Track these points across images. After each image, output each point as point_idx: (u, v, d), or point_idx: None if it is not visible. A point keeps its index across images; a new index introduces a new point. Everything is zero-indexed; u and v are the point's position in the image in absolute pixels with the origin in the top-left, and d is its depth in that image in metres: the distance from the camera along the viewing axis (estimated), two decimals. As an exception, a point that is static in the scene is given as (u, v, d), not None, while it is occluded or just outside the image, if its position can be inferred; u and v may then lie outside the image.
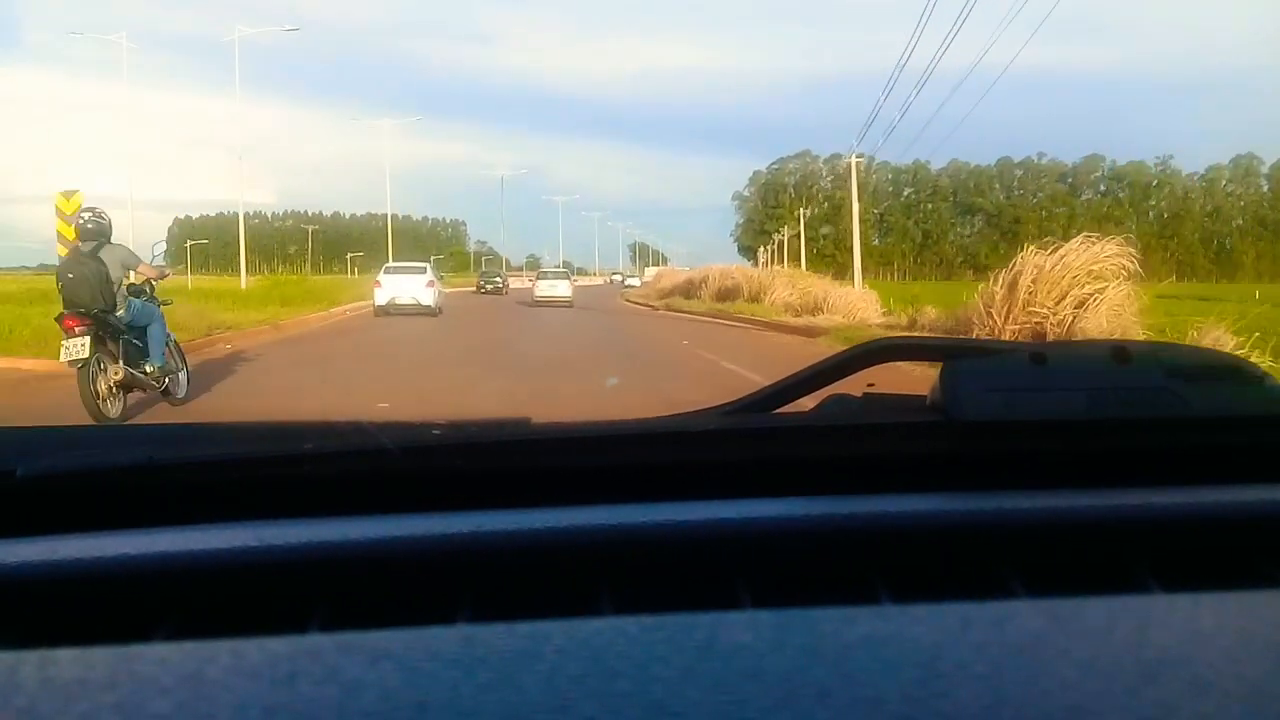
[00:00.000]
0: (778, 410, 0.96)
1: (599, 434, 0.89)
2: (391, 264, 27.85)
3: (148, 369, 6.84)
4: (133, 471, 0.82)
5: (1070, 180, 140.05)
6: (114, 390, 6.59)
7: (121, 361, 6.58)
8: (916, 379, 0.95)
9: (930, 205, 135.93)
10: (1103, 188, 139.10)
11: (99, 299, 6.46)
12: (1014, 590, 0.68)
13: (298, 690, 0.48)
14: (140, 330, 6.89)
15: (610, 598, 0.67)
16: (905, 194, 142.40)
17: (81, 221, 6.88)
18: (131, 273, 6.96)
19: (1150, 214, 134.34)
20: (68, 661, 0.52)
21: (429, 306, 23.83)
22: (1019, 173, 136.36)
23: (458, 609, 0.66)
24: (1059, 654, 0.52)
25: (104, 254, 6.69)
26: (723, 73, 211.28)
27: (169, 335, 7.27)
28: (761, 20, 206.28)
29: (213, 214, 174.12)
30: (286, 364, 11.81)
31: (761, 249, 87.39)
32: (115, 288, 6.62)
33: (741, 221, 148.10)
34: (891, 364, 1.00)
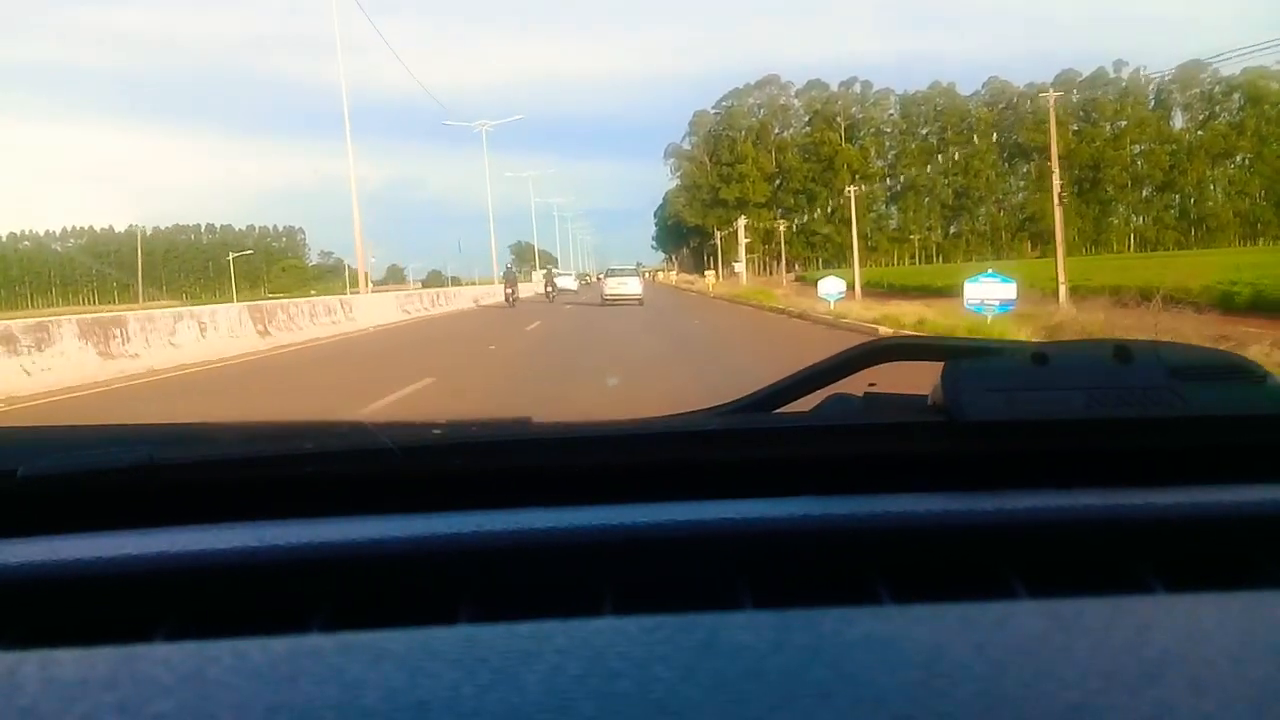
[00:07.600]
0: (778, 410, 0.96)
1: (599, 434, 0.90)
2: (554, 269, 52.12)
3: (515, 299, 34.17)
4: (133, 471, 0.82)
5: (1159, 98, 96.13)
6: (511, 301, 33.55)
7: (513, 295, 34.78)
8: (917, 379, 0.95)
9: (964, 148, 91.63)
10: (1207, 110, 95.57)
11: (513, 283, 35.34)
12: (1015, 590, 0.68)
13: (299, 690, 0.48)
14: (516, 286, 35.57)
15: (611, 598, 0.68)
16: (924, 133, 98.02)
17: (509, 262, 51.49)
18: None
19: None
20: (69, 661, 0.52)
21: (574, 291, 51.85)
22: (1090, 91, 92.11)
23: (459, 609, 0.67)
24: (1060, 654, 0.52)
25: (509, 273, 38.26)
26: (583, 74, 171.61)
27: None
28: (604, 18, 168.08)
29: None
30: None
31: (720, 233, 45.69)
32: (515, 278, 36.86)
33: (684, 188, 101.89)
34: (892, 364, 0.99)
